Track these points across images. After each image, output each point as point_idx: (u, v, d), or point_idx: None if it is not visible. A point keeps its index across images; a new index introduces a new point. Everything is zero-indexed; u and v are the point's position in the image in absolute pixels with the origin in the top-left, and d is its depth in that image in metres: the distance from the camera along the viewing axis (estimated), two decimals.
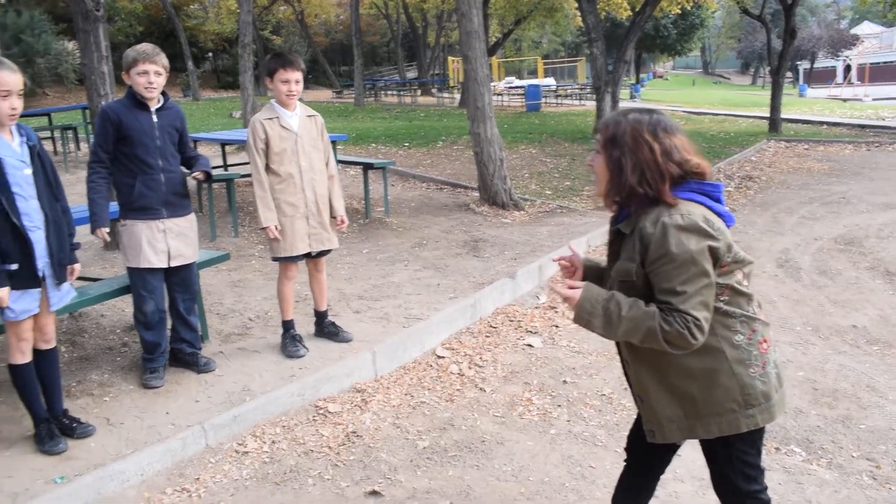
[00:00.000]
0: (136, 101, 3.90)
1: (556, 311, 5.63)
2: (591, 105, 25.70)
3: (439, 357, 4.76)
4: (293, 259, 4.39)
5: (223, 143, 9.90)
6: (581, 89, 31.71)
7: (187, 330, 4.25)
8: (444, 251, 6.85)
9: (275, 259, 4.44)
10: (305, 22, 35.93)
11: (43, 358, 3.49)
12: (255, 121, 4.26)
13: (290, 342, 4.47)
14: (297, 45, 41.29)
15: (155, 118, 3.93)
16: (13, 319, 3.28)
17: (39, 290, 3.33)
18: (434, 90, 34.81)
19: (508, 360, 4.77)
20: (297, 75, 4.22)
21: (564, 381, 4.46)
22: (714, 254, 2.06)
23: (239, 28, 14.20)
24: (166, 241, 3.98)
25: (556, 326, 5.35)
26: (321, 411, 3.97)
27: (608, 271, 2.30)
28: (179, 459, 3.49)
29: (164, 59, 3.92)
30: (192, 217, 4.15)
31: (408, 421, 3.94)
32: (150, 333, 4.08)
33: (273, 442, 3.68)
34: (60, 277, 3.39)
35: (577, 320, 2.18)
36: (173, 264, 4.02)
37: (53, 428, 3.51)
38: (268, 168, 4.28)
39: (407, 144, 14.07)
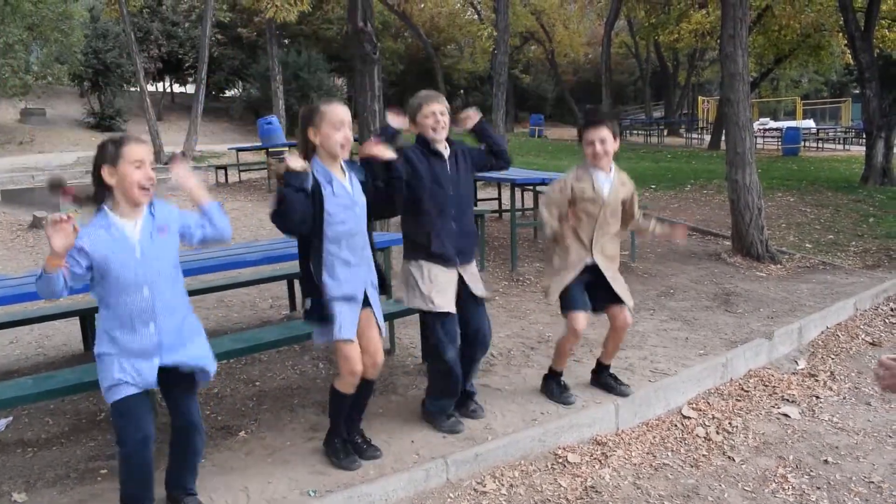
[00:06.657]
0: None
1: (817, 380, 5.14)
2: (856, 150, 23.56)
3: (685, 417, 4.51)
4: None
5: (474, 180, 10.21)
6: (846, 133, 29.11)
7: None
8: (692, 302, 6.53)
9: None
10: (555, 61, 36.47)
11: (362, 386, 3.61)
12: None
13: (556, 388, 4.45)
14: (545, 82, 42.00)
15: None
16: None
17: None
18: (682, 131, 33.75)
19: (761, 429, 4.41)
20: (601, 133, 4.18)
21: (825, 461, 4.04)
22: None
23: (493, 68, 14.64)
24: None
25: (817, 397, 4.88)
26: (560, 460, 3.90)
27: None
28: (421, 490, 3.58)
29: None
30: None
31: (649, 482, 3.76)
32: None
33: (511, 486, 3.66)
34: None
35: None
36: None
37: (349, 445, 3.68)
38: None
39: (653, 186, 13.70)
